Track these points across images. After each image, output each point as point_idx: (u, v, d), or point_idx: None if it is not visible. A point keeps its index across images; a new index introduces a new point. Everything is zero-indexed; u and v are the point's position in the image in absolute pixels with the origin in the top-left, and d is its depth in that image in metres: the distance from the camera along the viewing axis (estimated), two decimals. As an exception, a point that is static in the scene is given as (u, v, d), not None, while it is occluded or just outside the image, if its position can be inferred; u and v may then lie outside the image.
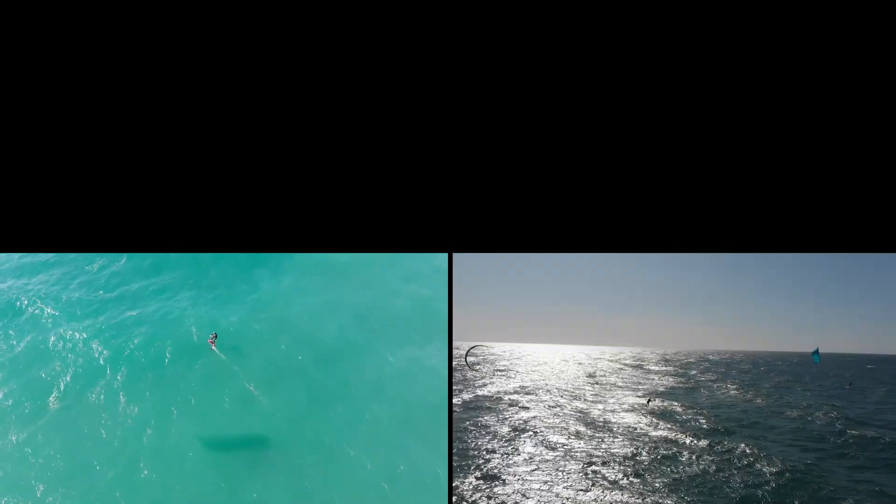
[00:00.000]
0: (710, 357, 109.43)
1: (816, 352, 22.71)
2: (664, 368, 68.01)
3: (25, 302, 18.79)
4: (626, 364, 75.89)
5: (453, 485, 14.43)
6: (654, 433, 22.60)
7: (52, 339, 16.63)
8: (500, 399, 32.46)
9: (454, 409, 27.97)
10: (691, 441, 21.00)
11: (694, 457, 18.51)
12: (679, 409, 28.70)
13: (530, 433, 22.46)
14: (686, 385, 45.58)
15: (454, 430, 20.66)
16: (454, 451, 18.24)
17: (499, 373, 53.31)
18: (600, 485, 15.39)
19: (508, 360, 75.72)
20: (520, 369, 59.48)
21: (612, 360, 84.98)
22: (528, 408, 29.50)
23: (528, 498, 14.10)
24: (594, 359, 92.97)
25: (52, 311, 18.03)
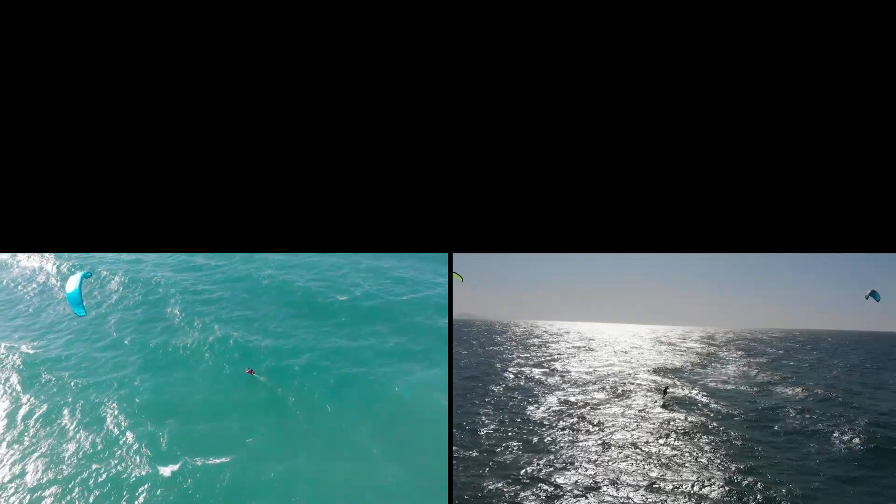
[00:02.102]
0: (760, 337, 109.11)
1: (874, 292, 21.58)
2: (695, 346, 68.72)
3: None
4: (665, 342, 77.26)
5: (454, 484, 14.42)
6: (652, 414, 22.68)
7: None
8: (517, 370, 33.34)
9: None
10: (678, 423, 20.91)
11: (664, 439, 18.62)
12: (680, 385, 29.40)
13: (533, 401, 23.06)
14: (708, 362, 45.67)
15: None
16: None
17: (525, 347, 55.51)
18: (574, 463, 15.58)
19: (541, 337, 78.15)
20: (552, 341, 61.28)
21: (654, 338, 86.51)
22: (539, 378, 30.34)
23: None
24: (637, 335, 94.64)
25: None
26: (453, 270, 16.19)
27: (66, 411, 17.25)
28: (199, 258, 29.84)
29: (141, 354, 20.55)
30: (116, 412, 17.13)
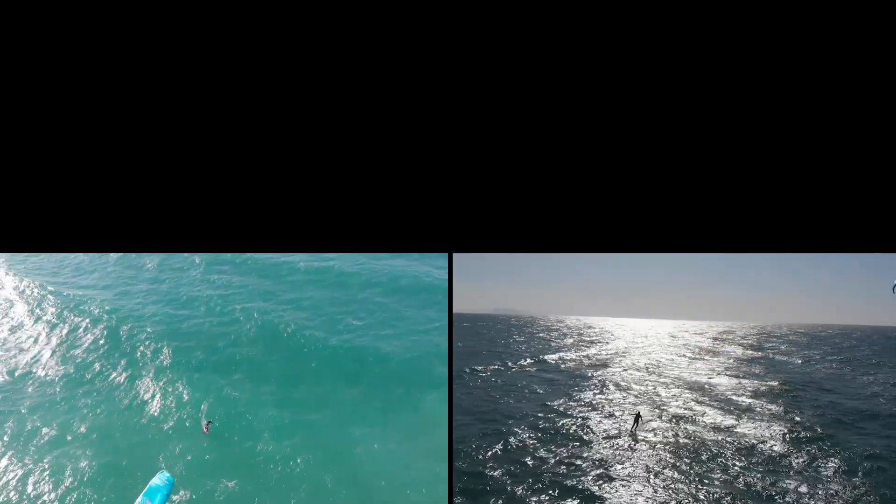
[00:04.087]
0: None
1: None
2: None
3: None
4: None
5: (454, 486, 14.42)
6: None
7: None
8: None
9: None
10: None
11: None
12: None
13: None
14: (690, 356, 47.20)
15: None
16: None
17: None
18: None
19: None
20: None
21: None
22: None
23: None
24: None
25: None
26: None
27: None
28: (188, 289, 26.09)
29: (96, 401, 16.99)
30: (56, 469, 13.88)
